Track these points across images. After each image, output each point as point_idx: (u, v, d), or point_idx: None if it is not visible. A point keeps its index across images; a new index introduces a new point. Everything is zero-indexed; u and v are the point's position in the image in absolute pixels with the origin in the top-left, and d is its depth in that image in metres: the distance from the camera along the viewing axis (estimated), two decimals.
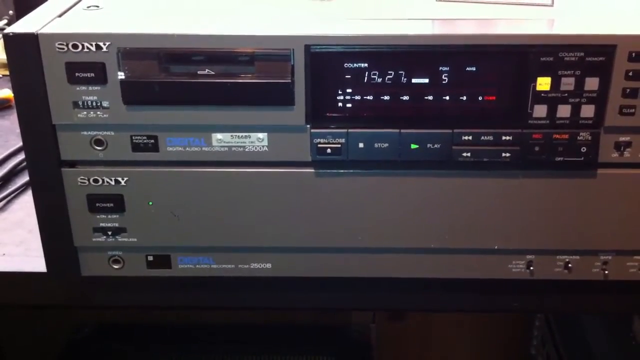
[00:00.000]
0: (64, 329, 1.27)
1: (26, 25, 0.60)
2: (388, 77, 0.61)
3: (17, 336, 1.28)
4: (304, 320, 1.27)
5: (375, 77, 0.61)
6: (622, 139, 0.62)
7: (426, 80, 0.61)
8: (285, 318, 1.27)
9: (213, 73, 0.60)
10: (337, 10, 0.66)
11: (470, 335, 1.43)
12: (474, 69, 0.60)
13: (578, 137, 0.61)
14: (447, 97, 0.61)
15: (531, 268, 0.68)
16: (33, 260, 0.70)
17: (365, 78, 0.61)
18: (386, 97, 0.61)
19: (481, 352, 1.46)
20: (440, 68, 0.60)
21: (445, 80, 0.61)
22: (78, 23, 0.62)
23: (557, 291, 0.69)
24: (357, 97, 0.61)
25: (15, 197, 0.81)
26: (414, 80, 0.61)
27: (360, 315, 1.25)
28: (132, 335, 1.28)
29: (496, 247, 0.67)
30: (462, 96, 0.61)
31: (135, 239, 0.66)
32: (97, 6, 0.67)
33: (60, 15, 0.63)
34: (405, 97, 0.61)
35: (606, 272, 0.68)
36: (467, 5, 0.67)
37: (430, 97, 0.61)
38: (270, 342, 1.26)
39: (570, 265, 0.67)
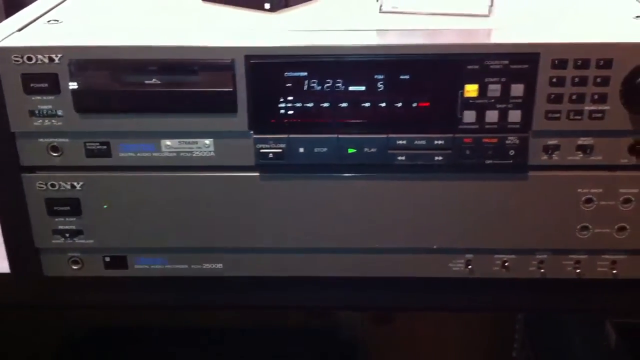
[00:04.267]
0: (54, 332, 1.30)
1: None
2: (326, 85, 0.64)
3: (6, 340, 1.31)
4: (291, 323, 1.30)
5: (315, 85, 0.64)
6: (550, 142, 0.65)
7: (363, 88, 0.64)
8: (272, 322, 1.30)
9: (160, 82, 0.63)
10: (282, 22, 0.70)
11: (455, 337, 1.45)
12: (407, 77, 0.64)
13: (507, 141, 0.64)
14: (383, 104, 0.64)
15: (470, 267, 0.71)
16: None
17: (305, 86, 0.64)
18: (325, 104, 0.65)
19: (466, 355, 1.48)
20: (376, 76, 0.64)
21: (380, 87, 0.64)
22: (35, 36, 0.66)
23: (494, 289, 0.72)
24: (297, 105, 0.64)
25: None
26: (351, 88, 0.64)
27: (348, 318, 1.27)
28: (121, 338, 1.30)
29: (435, 247, 0.70)
30: (397, 103, 0.64)
31: (92, 241, 0.70)
32: (57, 20, 0.70)
33: (20, 30, 0.67)
34: (343, 104, 0.65)
35: (542, 270, 0.71)
36: (408, 17, 0.71)
37: (367, 104, 0.64)
38: (257, 346, 1.28)
39: (507, 264, 0.70)
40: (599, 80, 0.62)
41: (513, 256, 0.70)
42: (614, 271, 0.70)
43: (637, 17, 0.68)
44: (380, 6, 0.72)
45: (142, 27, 0.69)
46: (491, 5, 0.70)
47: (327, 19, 0.71)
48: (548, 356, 1.28)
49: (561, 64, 0.62)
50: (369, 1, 0.73)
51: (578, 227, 0.68)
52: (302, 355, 1.28)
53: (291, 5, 0.73)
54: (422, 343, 1.44)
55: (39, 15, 0.72)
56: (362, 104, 0.64)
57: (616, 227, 0.68)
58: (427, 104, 0.64)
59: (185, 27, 0.68)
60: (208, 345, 1.28)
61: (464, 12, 0.70)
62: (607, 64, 0.61)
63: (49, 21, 0.70)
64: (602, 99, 0.62)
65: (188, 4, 0.75)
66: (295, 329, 1.29)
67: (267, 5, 0.72)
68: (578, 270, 0.70)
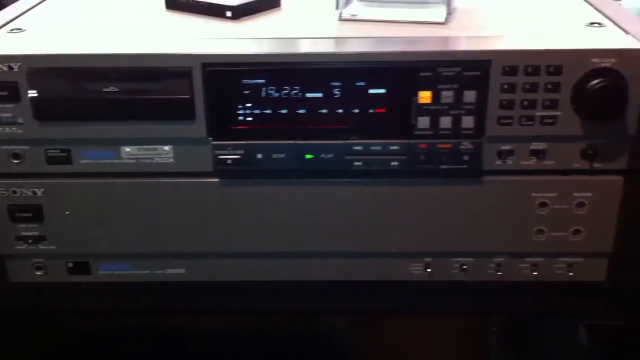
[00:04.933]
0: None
1: None
2: (284, 92, 0.65)
3: None
4: (277, 327, 1.30)
5: (272, 92, 0.65)
6: (504, 147, 0.66)
7: (320, 95, 0.65)
8: (258, 325, 1.30)
9: (118, 90, 0.64)
10: (243, 30, 0.71)
11: (434, 340, 1.46)
12: (363, 83, 0.65)
13: (460, 147, 0.66)
14: (340, 110, 0.65)
15: (429, 270, 0.72)
16: None
17: (263, 93, 0.65)
18: (282, 111, 0.66)
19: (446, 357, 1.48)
20: (333, 83, 0.65)
21: (337, 94, 0.65)
22: None
23: (455, 292, 0.73)
24: (255, 111, 0.65)
25: None
26: (308, 95, 0.65)
27: (330, 322, 1.28)
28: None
29: (394, 251, 0.71)
30: (353, 109, 0.65)
31: (55, 247, 0.71)
32: (20, 29, 0.71)
33: None
34: (301, 111, 0.66)
35: (500, 273, 0.72)
36: (367, 24, 0.72)
37: (324, 111, 0.66)
38: (243, 349, 1.29)
39: (465, 267, 0.71)
40: (549, 86, 0.63)
41: (471, 259, 0.71)
42: (571, 274, 0.71)
43: (591, 24, 0.69)
44: (340, 14, 0.73)
45: (103, 35, 0.70)
46: (448, 14, 0.71)
47: (287, 27, 0.72)
48: (525, 358, 1.29)
49: (512, 70, 0.63)
50: (330, 10, 0.74)
51: (534, 230, 0.69)
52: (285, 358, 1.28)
53: (253, 14, 0.74)
54: (401, 347, 1.45)
55: (2, 24, 0.73)
56: (319, 111, 0.65)
57: (571, 230, 0.69)
58: (383, 110, 0.65)
59: (147, 35, 0.69)
60: (187, 349, 1.28)
61: (422, 20, 0.71)
62: (557, 70, 0.62)
63: (12, 30, 0.71)
64: (553, 104, 0.64)
65: (152, 12, 0.76)
66: (280, 332, 1.29)
67: (228, 14, 0.73)
68: (535, 273, 0.71)
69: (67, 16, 0.76)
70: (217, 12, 0.73)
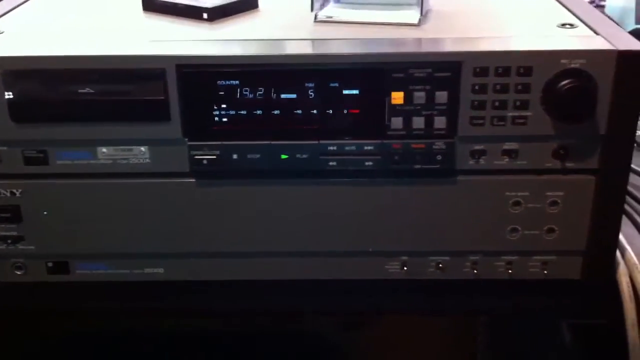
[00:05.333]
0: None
1: None
2: (259, 93, 0.66)
3: None
4: (267, 327, 1.31)
5: (247, 93, 0.66)
6: (477, 147, 0.67)
7: (294, 96, 0.66)
8: (247, 326, 1.30)
9: (94, 91, 0.65)
10: (219, 32, 0.72)
11: (420, 340, 1.47)
12: (337, 84, 0.65)
13: (434, 147, 0.66)
14: (314, 111, 0.66)
15: (405, 269, 0.72)
16: None
17: (237, 94, 0.66)
18: (257, 112, 0.66)
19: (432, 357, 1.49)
20: (307, 84, 0.66)
21: (311, 95, 0.66)
22: None
23: (427, 291, 0.74)
24: (231, 112, 0.66)
25: None
26: (282, 96, 0.66)
27: (322, 323, 1.28)
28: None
29: (370, 250, 0.72)
30: (328, 110, 0.66)
31: (34, 247, 0.71)
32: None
33: None
34: (275, 112, 0.66)
35: (475, 271, 0.72)
36: (342, 26, 0.72)
37: (299, 111, 0.66)
38: (231, 351, 1.29)
39: (441, 265, 0.72)
40: (519, 87, 0.64)
41: (447, 258, 0.72)
42: (545, 272, 0.72)
43: (562, 25, 0.70)
44: (315, 16, 0.73)
45: (80, 37, 0.70)
46: (422, 16, 0.72)
47: (263, 29, 0.73)
48: (510, 357, 1.30)
49: (483, 71, 0.64)
50: (306, 12, 0.74)
51: (508, 229, 0.70)
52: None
53: (229, 16, 0.75)
54: (388, 347, 1.46)
55: None
56: (294, 111, 0.66)
57: (545, 229, 0.70)
58: (357, 110, 0.66)
59: (123, 37, 0.70)
60: (168, 351, 1.28)
61: (395, 21, 0.72)
62: (527, 71, 0.63)
63: None
64: (524, 105, 0.65)
65: (129, 14, 0.77)
66: (270, 333, 1.30)
67: (205, 15, 0.73)
68: (510, 271, 0.72)
69: (45, 18, 0.77)
70: (194, 14, 0.74)
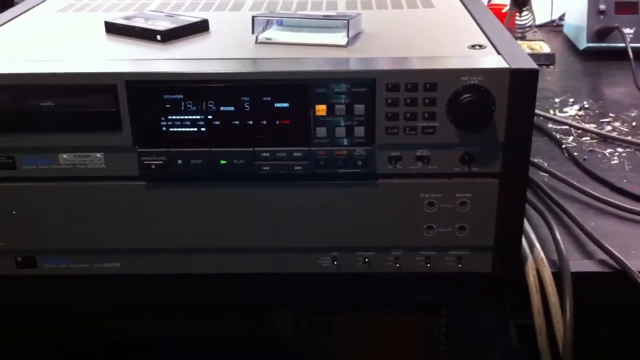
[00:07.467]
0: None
1: None
2: (200, 106, 0.75)
3: None
4: (235, 332, 1.38)
5: (190, 106, 0.75)
6: (393, 154, 0.76)
7: (232, 109, 0.75)
8: (214, 330, 1.38)
9: (54, 104, 0.74)
10: (169, 52, 0.81)
11: (386, 340, 1.54)
12: (269, 98, 0.75)
13: (354, 153, 0.75)
14: (250, 122, 0.75)
15: (336, 263, 0.81)
16: None
17: (181, 107, 0.75)
18: (200, 122, 0.75)
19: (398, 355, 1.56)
20: (243, 98, 0.75)
21: (247, 108, 0.75)
22: None
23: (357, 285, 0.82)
24: (176, 123, 0.75)
25: None
26: (222, 109, 0.75)
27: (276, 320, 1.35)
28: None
29: (304, 246, 0.80)
30: (262, 121, 0.75)
31: (4, 243, 0.80)
32: None
33: None
34: (216, 122, 0.75)
35: (398, 265, 0.81)
36: (279, 47, 0.82)
37: (236, 122, 0.75)
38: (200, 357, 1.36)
39: (367, 260, 0.81)
40: (427, 101, 0.73)
41: (372, 253, 0.81)
42: (460, 265, 0.81)
43: (472, 46, 0.79)
44: (256, 38, 0.83)
45: (45, 56, 0.80)
46: (348, 37, 0.81)
47: (209, 50, 0.82)
48: (466, 354, 1.38)
49: (394, 87, 0.73)
50: (251, 35, 0.83)
51: (424, 227, 0.79)
52: None
53: (180, 38, 0.84)
54: (351, 347, 1.52)
55: None
56: (232, 122, 0.75)
57: (457, 227, 0.79)
58: (287, 121, 0.75)
59: (85, 56, 0.79)
60: (136, 355, 1.34)
61: (326, 43, 0.81)
62: (433, 87, 0.72)
63: None
64: (432, 116, 0.74)
65: (92, 36, 0.86)
66: (239, 338, 1.36)
67: (158, 37, 0.83)
68: (429, 265, 0.81)
69: (15, 39, 0.86)
70: (149, 35, 0.83)
